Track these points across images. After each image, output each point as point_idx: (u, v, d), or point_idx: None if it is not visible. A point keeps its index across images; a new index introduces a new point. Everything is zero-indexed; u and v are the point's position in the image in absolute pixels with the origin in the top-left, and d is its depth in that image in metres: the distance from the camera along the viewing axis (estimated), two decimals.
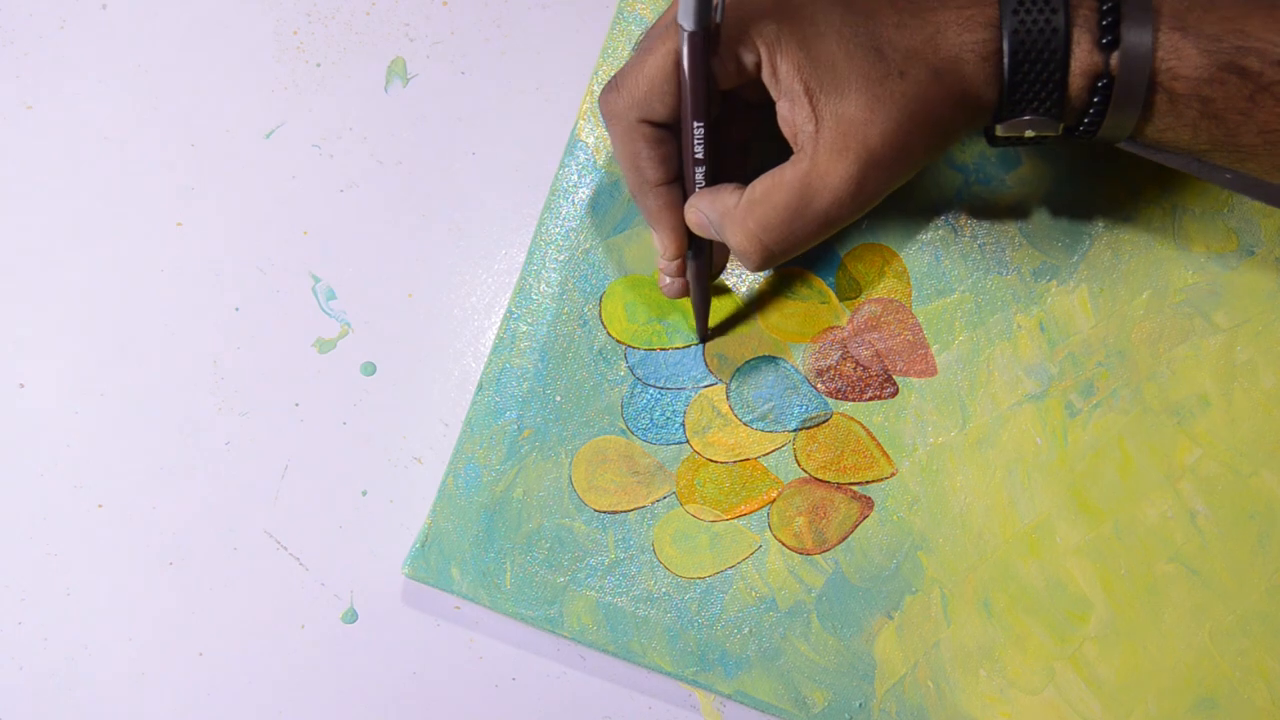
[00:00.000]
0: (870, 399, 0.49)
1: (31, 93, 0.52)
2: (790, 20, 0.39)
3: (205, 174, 0.52)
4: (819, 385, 0.49)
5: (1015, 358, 0.49)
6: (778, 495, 0.49)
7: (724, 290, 0.49)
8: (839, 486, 0.49)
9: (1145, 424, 0.49)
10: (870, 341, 0.49)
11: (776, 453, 0.49)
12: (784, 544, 0.49)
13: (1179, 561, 0.48)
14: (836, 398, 0.49)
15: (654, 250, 0.48)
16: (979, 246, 0.49)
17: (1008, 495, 0.49)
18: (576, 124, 0.50)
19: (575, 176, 0.50)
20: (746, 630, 0.48)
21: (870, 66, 0.39)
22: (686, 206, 0.44)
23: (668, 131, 0.42)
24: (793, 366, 0.49)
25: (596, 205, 0.50)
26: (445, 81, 0.52)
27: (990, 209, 0.49)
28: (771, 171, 0.41)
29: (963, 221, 0.49)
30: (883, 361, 0.49)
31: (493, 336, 0.50)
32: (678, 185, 0.44)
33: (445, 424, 0.51)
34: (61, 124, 0.52)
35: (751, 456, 0.49)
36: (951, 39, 0.39)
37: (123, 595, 0.50)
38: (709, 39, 0.39)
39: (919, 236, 0.49)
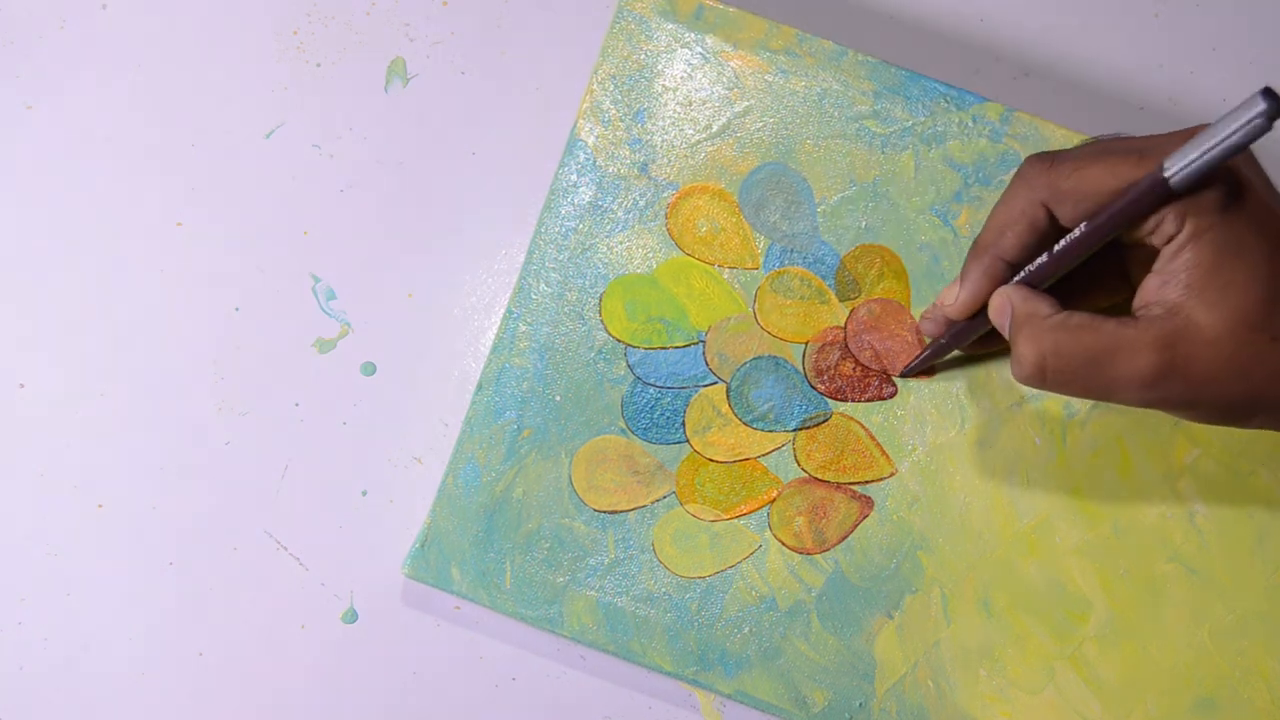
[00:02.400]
0: (870, 399, 0.49)
1: (31, 93, 0.52)
2: (1228, 222, 0.38)
3: (205, 174, 0.52)
4: (819, 385, 0.49)
5: None
6: (778, 495, 0.49)
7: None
8: (839, 486, 0.49)
9: (1144, 424, 0.49)
10: (870, 341, 0.49)
11: (776, 452, 0.49)
12: (784, 544, 0.49)
13: (1178, 561, 0.49)
14: (836, 397, 0.49)
15: (943, 294, 0.46)
16: None
17: (1007, 495, 0.49)
18: (576, 123, 0.50)
19: (575, 176, 0.50)
20: (746, 630, 0.48)
21: (1254, 309, 0.38)
22: (999, 292, 0.43)
23: (1053, 230, 0.42)
24: (793, 366, 0.49)
25: (596, 204, 0.50)
26: (445, 81, 0.52)
27: (990, 209, 0.49)
28: (1095, 315, 0.40)
29: (962, 222, 0.49)
30: (882, 361, 0.49)
31: (493, 336, 0.50)
32: (1010, 270, 0.43)
33: (445, 424, 0.51)
34: (61, 124, 0.52)
35: (751, 456, 0.49)
36: None
37: (123, 595, 0.50)
38: (1165, 200, 0.38)
39: (919, 237, 0.49)
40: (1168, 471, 0.49)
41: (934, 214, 0.49)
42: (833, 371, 0.49)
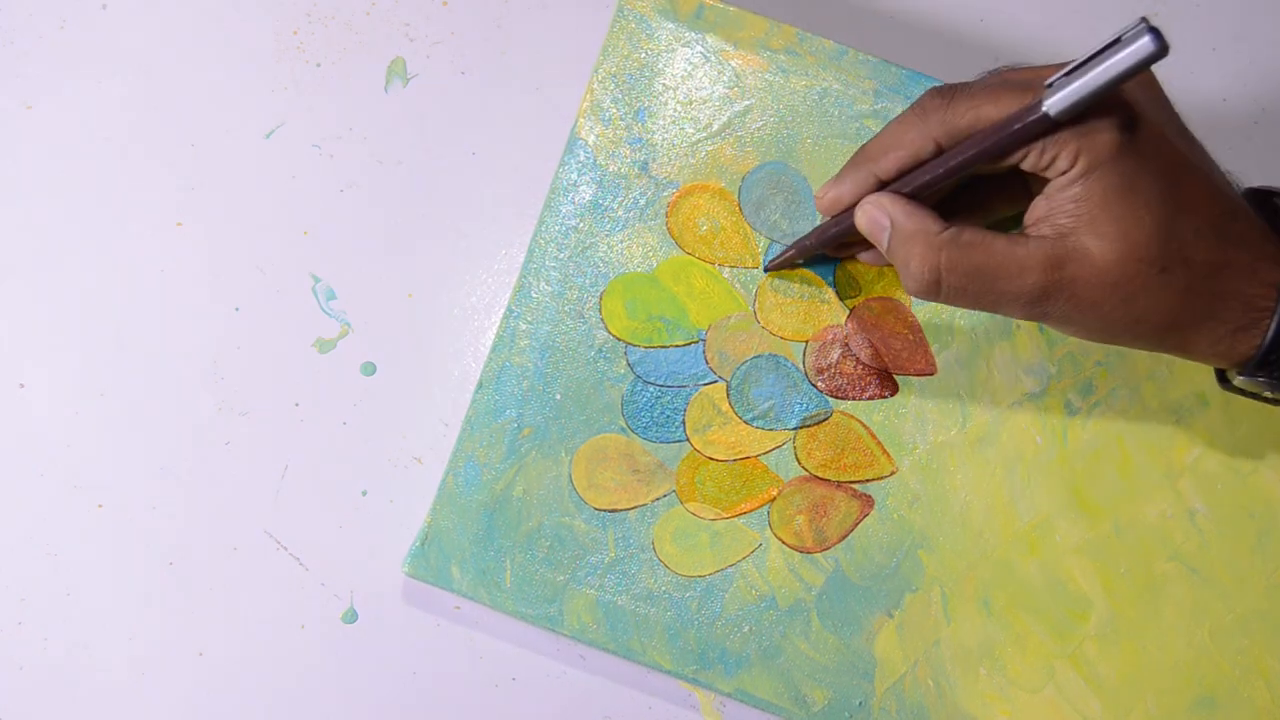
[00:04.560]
0: (870, 397, 0.49)
1: (31, 93, 0.52)
2: (1122, 159, 0.38)
3: (205, 174, 0.52)
4: (819, 383, 0.49)
5: (1015, 356, 0.49)
6: (778, 493, 0.49)
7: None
8: (839, 485, 0.49)
9: (1144, 423, 0.49)
10: (870, 340, 0.49)
11: (777, 451, 0.49)
12: (784, 542, 0.49)
13: (1179, 560, 0.49)
14: (837, 396, 0.49)
15: (822, 187, 0.45)
16: None
17: (1008, 494, 0.49)
18: (577, 122, 0.50)
19: (575, 175, 0.50)
20: (746, 629, 0.48)
21: (1145, 242, 0.38)
22: (871, 200, 0.42)
23: (939, 156, 0.42)
24: (793, 365, 0.49)
25: (597, 203, 0.50)
26: (445, 81, 0.52)
27: None
28: (987, 231, 0.40)
29: None
30: (883, 360, 0.49)
31: (493, 336, 0.50)
32: (880, 185, 0.43)
33: (445, 424, 0.51)
34: (61, 124, 0.52)
35: (752, 454, 0.49)
36: (1231, 279, 0.39)
37: (123, 595, 0.50)
38: (1049, 130, 0.38)
39: None
40: (1168, 471, 0.49)
41: None
42: (833, 370, 0.49)
